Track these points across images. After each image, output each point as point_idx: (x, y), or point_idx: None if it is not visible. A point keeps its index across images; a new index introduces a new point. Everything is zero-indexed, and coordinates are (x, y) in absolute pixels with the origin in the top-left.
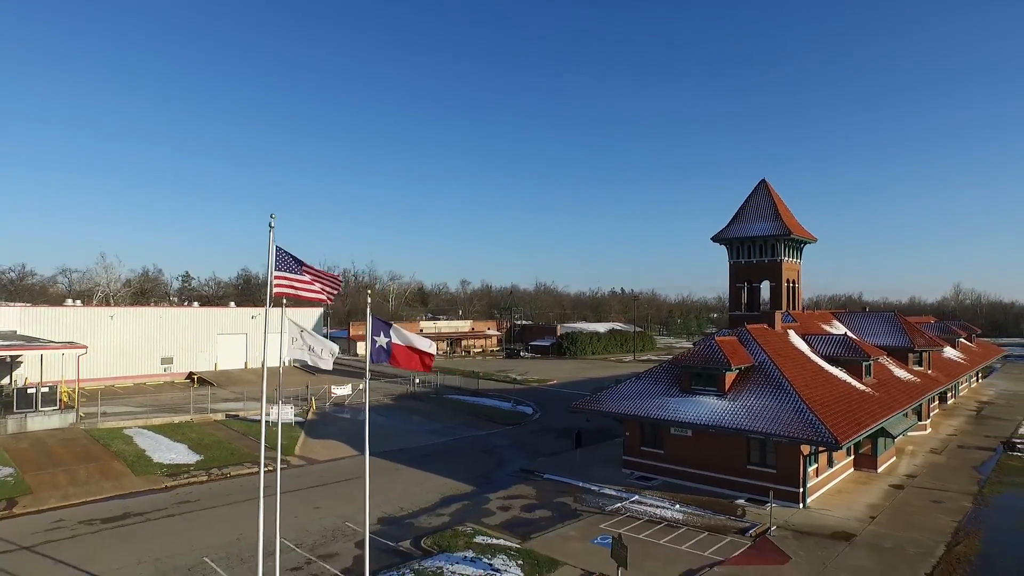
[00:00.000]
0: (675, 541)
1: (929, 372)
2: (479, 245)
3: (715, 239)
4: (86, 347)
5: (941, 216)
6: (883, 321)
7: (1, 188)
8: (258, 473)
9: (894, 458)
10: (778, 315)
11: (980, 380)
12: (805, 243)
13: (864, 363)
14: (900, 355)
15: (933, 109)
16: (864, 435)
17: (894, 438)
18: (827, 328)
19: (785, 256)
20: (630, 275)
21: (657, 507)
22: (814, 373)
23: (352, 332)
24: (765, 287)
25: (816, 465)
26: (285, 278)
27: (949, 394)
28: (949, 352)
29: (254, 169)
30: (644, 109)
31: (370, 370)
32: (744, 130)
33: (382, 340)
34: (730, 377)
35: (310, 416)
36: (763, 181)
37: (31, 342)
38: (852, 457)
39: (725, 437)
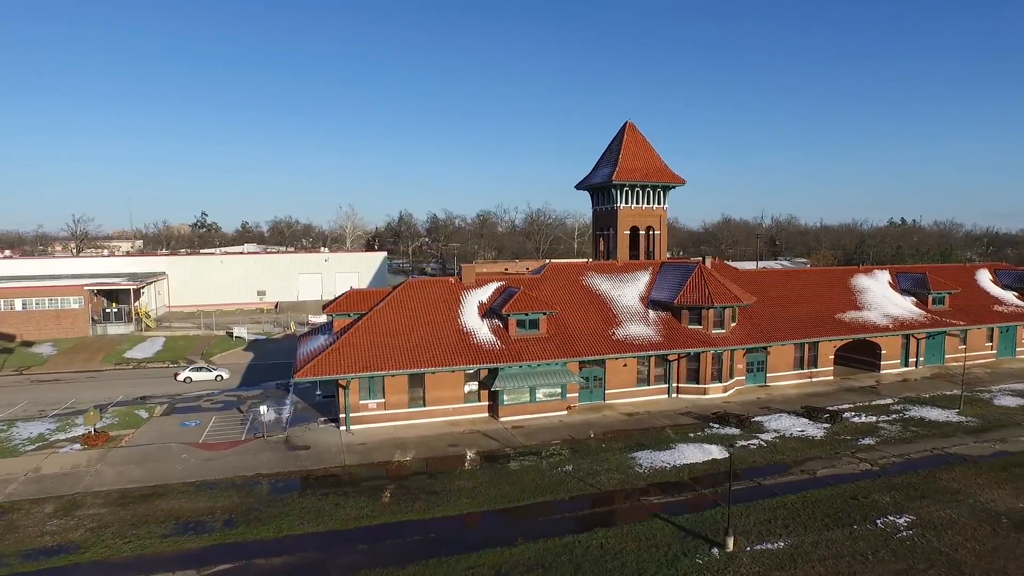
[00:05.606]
0: (215, 430)
1: (717, 332)
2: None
3: (578, 187)
4: (140, 285)
5: None
6: (678, 274)
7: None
8: (166, 368)
9: (547, 414)
10: (467, 268)
11: None
12: (669, 187)
13: (511, 318)
14: (674, 310)
15: None
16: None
17: (494, 390)
18: (592, 282)
19: (623, 203)
20: None
21: (278, 410)
22: (423, 324)
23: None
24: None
25: (383, 399)
26: None
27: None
28: (902, 308)
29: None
30: None
31: None
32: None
33: None
34: (337, 323)
35: (278, 336)
36: (626, 124)
37: (133, 279)
38: (488, 403)
39: None
